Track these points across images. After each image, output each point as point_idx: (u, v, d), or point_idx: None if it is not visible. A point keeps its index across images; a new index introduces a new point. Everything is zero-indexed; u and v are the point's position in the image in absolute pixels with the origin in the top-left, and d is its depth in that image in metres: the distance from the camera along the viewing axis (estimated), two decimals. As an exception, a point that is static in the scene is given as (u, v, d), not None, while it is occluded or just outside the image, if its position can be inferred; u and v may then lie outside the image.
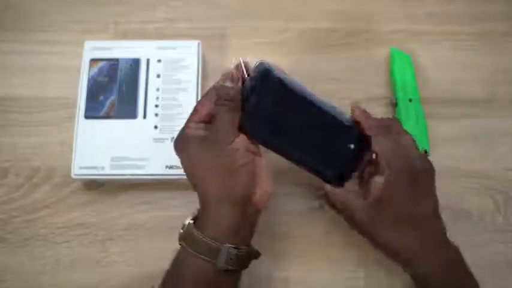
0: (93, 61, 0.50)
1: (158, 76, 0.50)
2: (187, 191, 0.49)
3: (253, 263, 0.47)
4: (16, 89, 0.53)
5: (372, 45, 0.56)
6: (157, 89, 0.50)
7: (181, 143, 0.38)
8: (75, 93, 0.49)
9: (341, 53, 0.55)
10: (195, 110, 0.39)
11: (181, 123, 0.49)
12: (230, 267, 0.36)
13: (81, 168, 0.47)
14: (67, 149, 0.48)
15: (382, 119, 0.41)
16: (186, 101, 0.49)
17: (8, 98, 0.53)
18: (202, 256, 0.35)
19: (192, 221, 0.37)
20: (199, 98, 0.49)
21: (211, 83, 0.52)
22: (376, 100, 0.53)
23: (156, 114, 0.49)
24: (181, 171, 0.47)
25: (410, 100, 0.51)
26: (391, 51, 0.54)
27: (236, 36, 0.56)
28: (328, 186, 0.41)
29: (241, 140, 0.37)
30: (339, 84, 0.54)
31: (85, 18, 0.56)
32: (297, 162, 0.41)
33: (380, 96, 0.53)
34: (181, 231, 0.37)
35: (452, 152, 0.51)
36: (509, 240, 0.48)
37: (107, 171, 0.47)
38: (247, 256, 0.38)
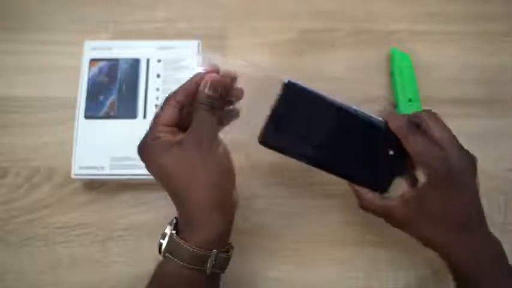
0: (93, 61, 0.50)
1: (158, 76, 0.50)
2: (187, 191, 0.49)
3: (253, 263, 0.47)
4: (16, 89, 0.53)
5: (372, 45, 0.56)
6: (157, 89, 0.50)
7: (152, 149, 0.36)
8: (75, 93, 0.49)
9: (341, 53, 0.55)
10: (158, 115, 0.36)
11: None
12: (217, 271, 0.36)
13: (81, 168, 0.47)
14: (67, 149, 0.48)
15: (410, 115, 0.39)
16: (186, 101, 0.49)
17: (8, 98, 0.53)
18: (190, 266, 0.34)
19: (174, 231, 0.35)
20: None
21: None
22: (376, 100, 0.53)
23: (156, 114, 0.49)
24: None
25: (410, 100, 0.51)
26: (391, 51, 0.54)
27: (236, 36, 0.56)
28: (365, 194, 0.39)
29: (223, 142, 0.36)
30: (339, 84, 0.53)
31: (85, 18, 0.56)
32: (338, 174, 0.40)
33: (380, 96, 0.53)
34: (163, 241, 0.35)
35: (452, 152, 0.51)
36: (509, 240, 0.48)
37: (107, 171, 0.47)
38: (231, 256, 0.37)
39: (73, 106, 0.49)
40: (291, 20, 0.57)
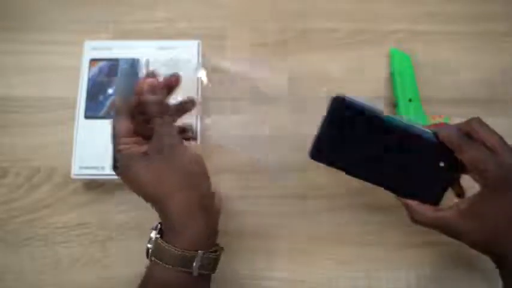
0: (93, 61, 0.50)
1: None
2: (187, 191, 0.49)
3: (254, 263, 0.47)
4: (16, 89, 0.53)
5: (372, 45, 0.56)
6: (157, 89, 0.49)
7: (124, 164, 0.36)
8: (75, 93, 0.49)
9: (341, 53, 0.55)
10: (115, 128, 0.37)
11: (180, 123, 0.49)
12: (206, 272, 0.36)
13: (81, 168, 0.47)
14: (67, 149, 0.48)
15: (458, 124, 0.39)
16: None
17: (8, 98, 0.53)
18: (177, 268, 0.34)
19: (158, 235, 0.36)
20: (199, 98, 0.49)
21: (211, 83, 0.53)
22: (376, 100, 0.53)
23: (156, 114, 0.49)
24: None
25: (410, 100, 0.51)
26: (391, 51, 0.54)
27: (236, 36, 0.56)
28: (417, 207, 0.39)
29: (190, 145, 0.37)
30: (339, 84, 0.53)
31: (85, 18, 0.56)
32: (389, 188, 0.40)
33: (380, 96, 0.53)
34: (149, 245, 0.36)
35: (452, 152, 0.51)
36: (509, 240, 0.48)
37: (107, 171, 0.47)
38: (219, 257, 0.38)
39: (73, 106, 0.49)
40: (291, 20, 0.57)
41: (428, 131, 0.39)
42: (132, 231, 0.48)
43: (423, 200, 0.39)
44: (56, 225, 0.48)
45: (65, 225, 0.48)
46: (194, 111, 0.42)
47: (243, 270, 0.47)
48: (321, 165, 0.40)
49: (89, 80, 0.50)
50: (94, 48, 0.51)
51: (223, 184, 0.50)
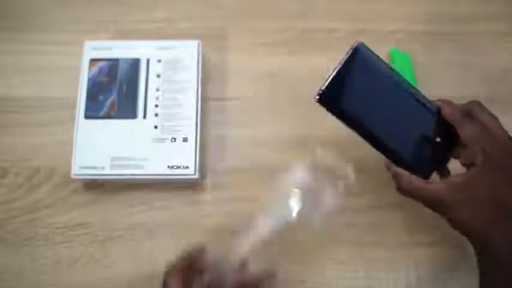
0: (93, 61, 0.50)
1: (158, 76, 0.50)
2: (186, 191, 0.49)
3: (251, 263, 0.47)
4: (16, 89, 0.53)
5: (372, 45, 0.55)
6: (157, 89, 0.50)
7: None
8: (75, 93, 0.49)
9: (341, 53, 0.55)
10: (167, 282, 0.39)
11: (181, 123, 0.49)
12: None
13: (81, 168, 0.47)
14: (67, 149, 0.48)
15: (463, 104, 0.40)
16: (186, 101, 0.49)
17: (8, 98, 0.53)
18: None
19: None
20: (199, 98, 0.49)
21: (211, 83, 0.53)
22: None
23: (156, 114, 0.49)
24: (181, 171, 0.47)
25: (410, 100, 0.51)
26: (391, 51, 0.54)
27: (236, 36, 0.56)
28: (406, 175, 0.39)
29: None
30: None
31: (85, 18, 0.56)
32: (384, 149, 0.40)
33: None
34: None
35: (452, 152, 0.51)
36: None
37: (107, 171, 0.47)
38: None
39: (73, 106, 0.49)
40: (291, 20, 0.57)
41: (434, 105, 0.40)
42: (132, 231, 0.48)
43: (413, 171, 0.39)
44: (56, 225, 0.48)
45: (65, 225, 0.48)
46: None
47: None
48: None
49: (89, 80, 0.50)
50: (94, 48, 0.51)
51: (223, 184, 0.50)
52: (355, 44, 0.38)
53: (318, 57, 0.55)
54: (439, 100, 0.40)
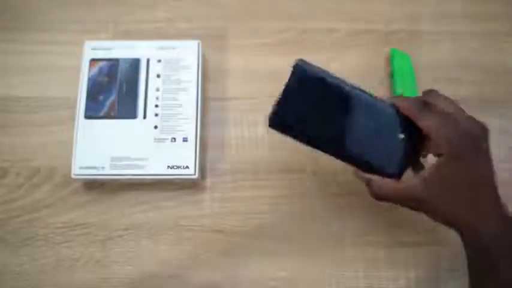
0: (93, 61, 0.50)
1: (158, 76, 0.50)
2: (186, 191, 0.49)
3: (254, 264, 0.47)
4: (16, 89, 0.53)
5: (372, 45, 0.56)
6: (157, 89, 0.50)
7: None
8: (75, 93, 0.49)
9: (341, 53, 0.55)
10: None
11: (181, 123, 0.49)
12: None
13: (81, 168, 0.47)
14: (67, 149, 0.48)
15: (417, 97, 0.39)
16: (186, 101, 0.49)
17: (8, 98, 0.53)
18: None
19: None
20: (199, 98, 0.49)
21: (211, 83, 0.53)
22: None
23: (156, 114, 0.49)
24: (181, 171, 0.47)
25: (410, 100, 0.51)
26: (391, 51, 0.54)
27: (236, 36, 0.56)
28: (379, 180, 0.38)
29: None
30: (339, 84, 0.54)
31: (85, 18, 0.56)
32: (349, 160, 0.39)
33: (380, 97, 0.53)
34: None
35: (452, 152, 0.51)
36: (509, 240, 0.48)
37: (107, 171, 0.47)
38: None
39: (73, 106, 0.49)
40: (291, 20, 0.57)
41: (389, 102, 0.39)
42: (132, 231, 0.48)
43: (385, 175, 0.38)
44: (56, 225, 0.48)
45: (65, 225, 0.48)
46: None
47: (243, 270, 0.47)
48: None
49: (89, 80, 0.50)
50: (94, 48, 0.51)
51: (223, 184, 0.50)
52: (295, 62, 0.38)
53: (318, 57, 0.54)
54: (393, 98, 0.39)
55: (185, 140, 0.48)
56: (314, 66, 0.38)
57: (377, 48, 0.55)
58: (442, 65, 0.55)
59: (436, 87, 0.53)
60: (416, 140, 0.39)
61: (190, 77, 0.50)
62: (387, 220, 0.48)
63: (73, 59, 0.51)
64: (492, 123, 0.52)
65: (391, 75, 0.54)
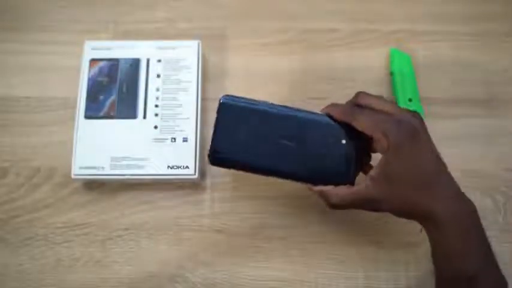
0: (93, 61, 0.50)
1: (158, 76, 0.50)
2: (186, 191, 0.49)
3: (254, 264, 0.47)
4: (16, 89, 0.53)
5: (372, 45, 0.56)
6: (157, 89, 0.50)
7: None
8: (75, 93, 0.49)
9: (341, 53, 0.55)
10: None
11: (181, 123, 0.49)
12: None
13: (81, 168, 0.47)
14: (67, 149, 0.48)
15: (349, 100, 0.40)
16: (186, 101, 0.49)
17: (8, 98, 0.53)
18: None
19: None
20: (199, 98, 0.49)
21: (211, 83, 0.53)
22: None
23: (156, 114, 0.49)
24: (181, 171, 0.47)
25: (410, 100, 0.51)
26: (391, 51, 0.54)
27: (236, 36, 0.56)
28: (332, 190, 0.38)
29: None
30: (339, 84, 0.54)
31: (85, 18, 0.56)
32: (298, 179, 0.40)
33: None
34: None
35: (452, 151, 0.51)
36: (509, 240, 0.48)
37: (107, 171, 0.47)
38: None
39: (73, 106, 0.49)
40: (291, 20, 0.57)
41: (320, 113, 0.40)
42: (132, 231, 0.48)
43: (337, 183, 0.39)
44: (56, 225, 0.48)
45: (65, 225, 0.48)
46: None
47: (244, 270, 0.47)
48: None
49: (89, 80, 0.50)
50: (94, 48, 0.51)
51: (223, 184, 0.50)
52: (220, 100, 0.39)
53: (318, 57, 0.55)
54: (325, 108, 0.40)
55: (185, 140, 0.48)
56: (240, 98, 0.39)
57: (377, 48, 0.55)
58: (442, 65, 0.55)
59: (436, 87, 0.54)
60: (361, 143, 0.39)
61: (190, 77, 0.50)
62: (387, 220, 0.48)
63: (73, 59, 0.51)
64: (492, 122, 0.53)
65: (391, 75, 0.54)
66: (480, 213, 0.49)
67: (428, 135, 0.38)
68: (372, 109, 0.38)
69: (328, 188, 0.39)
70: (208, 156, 0.39)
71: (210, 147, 0.39)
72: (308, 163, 0.39)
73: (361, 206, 0.38)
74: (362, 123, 0.37)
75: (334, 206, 0.39)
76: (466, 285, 0.37)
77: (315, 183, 0.39)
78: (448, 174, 0.38)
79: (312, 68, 0.54)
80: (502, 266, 0.48)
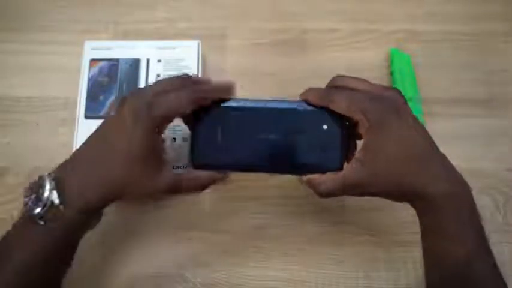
0: (93, 61, 0.50)
1: (158, 76, 0.50)
2: (187, 191, 0.49)
3: (254, 264, 0.47)
4: (16, 89, 0.53)
5: (372, 45, 0.56)
6: (158, 89, 0.49)
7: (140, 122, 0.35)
8: (75, 93, 0.49)
9: (341, 53, 0.55)
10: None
11: (181, 123, 0.49)
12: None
13: (81, 168, 0.47)
14: (67, 149, 0.48)
15: (326, 85, 0.39)
16: (186, 101, 0.49)
17: (8, 98, 0.53)
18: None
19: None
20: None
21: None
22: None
23: (156, 114, 0.49)
24: (180, 171, 0.47)
25: (410, 100, 0.51)
26: (391, 51, 0.54)
27: (236, 36, 0.56)
28: (319, 178, 0.37)
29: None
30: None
31: (85, 18, 0.56)
32: (286, 171, 0.39)
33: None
34: None
35: (452, 151, 0.51)
36: (508, 240, 0.48)
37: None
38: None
39: (73, 106, 0.49)
40: (291, 20, 0.57)
41: (298, 100, 0.39)
42: (132, 231, 0.48)
43: (324, 171, 0.37)
44: (56, 225, 0.48)
45: (65, 225, 0.48)
46: None
47: (244, 270, 0.47)
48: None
49: (89, 80, 0.50)
50: (94, 48, 0.51)
51: (223, 184, 0.50)
52: None
53: (318, 57, 0.55)
54: (301, 94, 0.38)
55: (185, 140, 0.48)
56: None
57: (377, 48, 0.55)
58: (442, 65, 0.55)
59: (436, 87, 0.54)
60: (346, 130, 0.38)
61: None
62: (387, 220, 0.48)
63: (73, 59, 0.51)
64: (492, 122, 0.53)
65: (391, 75, 0.54)
66: (480, 213, 0.49)
67: (408, 106, 0.36)
68: (349, 89, 0.36)
69: (315, 177, 0.37)
70: (192, 163, 0.39)
71: (191, 155, 0.39)
72: (291, 153, 0.38)
73: (351, 191, 0.37)
74: (339, 104, 0.36)
75: (324, 195, 0.37)
76: (457, 270, 0.34)
77: (302, 174, 0.38)
78: (441, 153, 0.36)
79: (312, 68, 0.54)
80: (501, 266, 0.47)
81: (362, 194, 0.37)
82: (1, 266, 0.34)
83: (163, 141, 0.37)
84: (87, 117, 0.48)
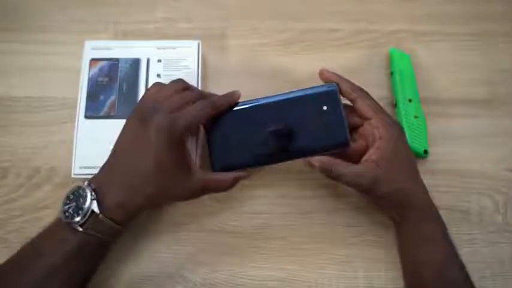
0: (93, 61, 0.50)
1: (158, 76, 0.50)
2: (187, 191, 0.49)
3: (254, 264, 0.47)
4: (16, 89, 0.53)
5: (372, 45, 0.56)
6: (158, 89, 0.49)
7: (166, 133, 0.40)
8: (75, 93, 0.49)
9: (341, 53, 0.55)
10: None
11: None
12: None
13: (81, 168, 0.47)
14: (67, 149, 0.48)
15: (347, 84, 0.45)
16: (186, 101, 0.49)
17: (8, 98, 0.53)
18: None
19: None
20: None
21: (211, 83, 0.53)
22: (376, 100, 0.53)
23: (156, 114, 0.49)
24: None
25: (410, 100, 0.51)
26: (391, 51, 0.54)
27: (236, 36, 0.56)
28: (339, 164, 0.42)
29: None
30: (339, 84, 0.53)
31: (85, 18, 0.56)
32: (298, 155, 0.43)
33: (380, 97, 0.53)
34: None
35: (452, 152, 0.51)
36: (508, 240, 0.48)
37: (107, 171, 0.47)
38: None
39: (73, 106, 0.49)
40: (291, 20, 0.57)
41: (293, 90, 0.44)
42: (132, 231, 0.48)
43: (336, 146, 0.42)
44: (56, 225, 0.48)
45: (65, 225, 0.48)
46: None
47: (244, 270, 0.47)
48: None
49: (89, 80, 0.50)
50: (94, 48, 0.51)
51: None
52: None
53: (318, 57, 0.55)
54: (334, 74, 0.45)
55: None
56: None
57: (377, 48, 0.55)
58: (442, 65, 0.55)
59: (436, 87, 0.54)
60: (343, 106, 0.43)
61: (190, 77, 0.50)
62: (387, 220, 0.48)
63: (73, 59, 0.51)
64: (492, 123, 0.53)
65: (391, 75, 0.54)
66: (479, 214, 0.50)
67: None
68: (372, 101, 0.44)
69: (336, 162, 0.42)
70: (213, 166, 0.44)
71: (212, 159, 0.43)
72: (301, 138, 0.42)
73: (358, 184, 0.42)
74: (366, 105, 0.43)
75: (336, 177, 0.42)
76: (435, 274, 0.40)
77: (316, 155, 0.42)
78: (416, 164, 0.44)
79: (311, 68, 0.54)
80: (501, 266, 0.48)
81: (364, 189, 0.42)
82: (30, 265, 0.38)
83: (185, 146, 0.41)
84: (87, 117, 0.48)
